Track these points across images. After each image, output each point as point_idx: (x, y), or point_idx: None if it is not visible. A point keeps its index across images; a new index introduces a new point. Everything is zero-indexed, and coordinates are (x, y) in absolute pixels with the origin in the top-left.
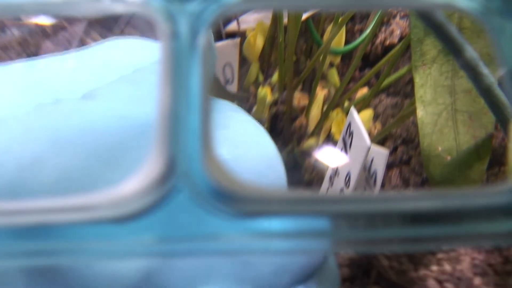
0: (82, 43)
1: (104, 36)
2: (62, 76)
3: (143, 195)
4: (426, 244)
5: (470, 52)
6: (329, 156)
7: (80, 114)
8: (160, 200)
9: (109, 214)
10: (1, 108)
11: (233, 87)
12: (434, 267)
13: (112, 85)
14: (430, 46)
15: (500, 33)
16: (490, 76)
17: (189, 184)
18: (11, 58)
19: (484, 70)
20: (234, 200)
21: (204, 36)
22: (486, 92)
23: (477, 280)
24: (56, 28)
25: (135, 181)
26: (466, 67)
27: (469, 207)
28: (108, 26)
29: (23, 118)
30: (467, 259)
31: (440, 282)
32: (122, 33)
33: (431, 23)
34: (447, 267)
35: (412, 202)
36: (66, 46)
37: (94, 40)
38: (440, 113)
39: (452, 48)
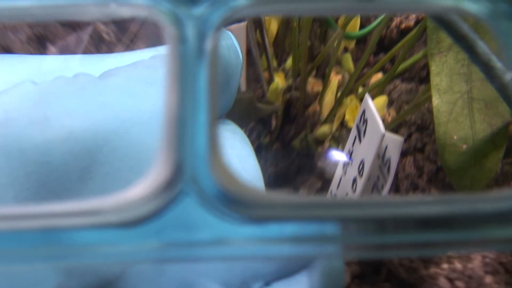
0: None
1: (121, 31)
2: (78, 60)
3: (150, 200)
4: (437, 249)
5: (482, 46)
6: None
7: (95, 87)
8: (167, 205)
9: (116, 219)
10: (21, 76)
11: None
12: (445, 265)
13: (129, 67)
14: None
15: (507, 37)
16: (503, 69)
17: (196, 189)
18: (20, 41)
19: (497, 64)
20: (242, 204)
21: (212, 40)
22: (499, 85)
23: (488, 279)
24: None
25: (142, 186)
26: (478, 62)
27: (481, 211)
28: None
29: (41, 84)
30: (478, 258)
31: (450, 280)
32: (139, 30)
33: (441, 20)
34: (458, 265)
35: (423, 206)
36: (76, 29)
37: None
38: (456, 101)
39: (463, 44)
